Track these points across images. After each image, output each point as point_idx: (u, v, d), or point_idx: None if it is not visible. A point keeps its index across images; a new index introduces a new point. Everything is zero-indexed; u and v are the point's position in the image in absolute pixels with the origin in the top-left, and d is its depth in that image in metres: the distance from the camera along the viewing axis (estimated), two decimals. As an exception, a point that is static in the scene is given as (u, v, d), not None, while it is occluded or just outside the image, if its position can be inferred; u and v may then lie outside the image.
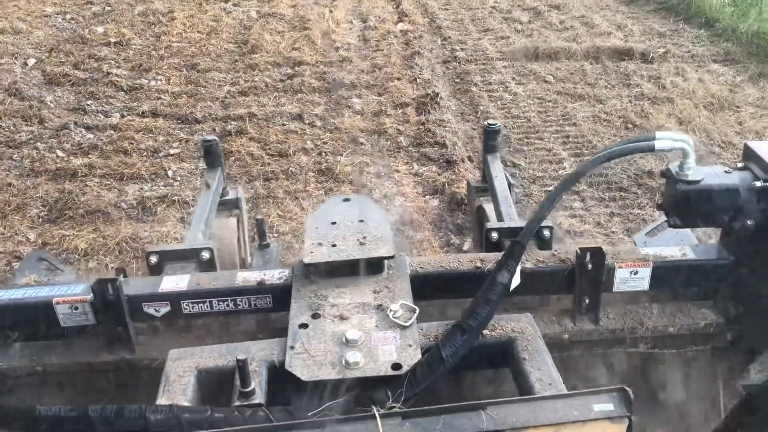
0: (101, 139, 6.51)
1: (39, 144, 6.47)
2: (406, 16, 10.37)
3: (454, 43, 9.15)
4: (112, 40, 9.44)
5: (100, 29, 10.07)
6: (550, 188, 5.53)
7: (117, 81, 7.87)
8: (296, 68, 8.18)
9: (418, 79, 7.70)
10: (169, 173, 5.90)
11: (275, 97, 7.42)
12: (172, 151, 6.26)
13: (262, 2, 11.49)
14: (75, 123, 6.78)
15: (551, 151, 6.20)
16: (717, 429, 1.85)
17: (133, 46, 9.27)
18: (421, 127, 6.56)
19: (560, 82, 7.62)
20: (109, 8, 11.27)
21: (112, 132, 6.68)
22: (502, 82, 7.65)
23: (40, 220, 5.29)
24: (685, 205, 2.19)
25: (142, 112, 7.05)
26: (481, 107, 7.00)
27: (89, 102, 7.40)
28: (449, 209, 5.20)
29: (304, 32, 9.64)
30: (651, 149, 2.05)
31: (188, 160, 6.10)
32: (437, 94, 7.03)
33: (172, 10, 10.86)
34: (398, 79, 7.71)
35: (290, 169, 5.83)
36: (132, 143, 6.39)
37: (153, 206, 5.32)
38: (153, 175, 5.86)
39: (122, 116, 7.04)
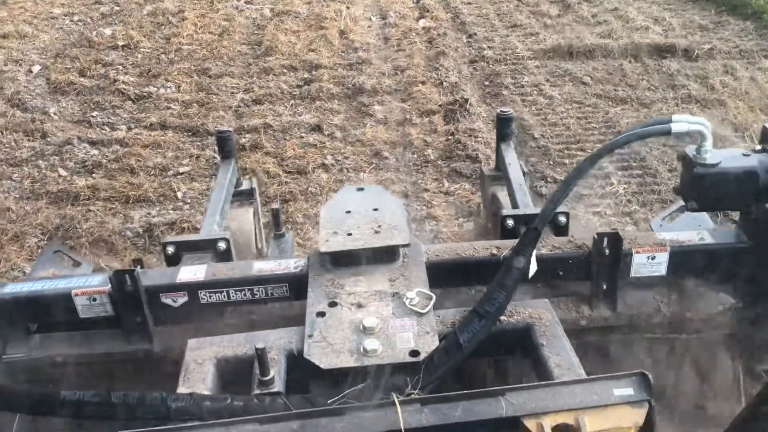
0: (106, 156, 6.06)
1: (40, 162, 6.03)
2: (428, 11, 9.82)
3: (481, 40, 8.59)
4: (120, 43, 8.99)
5: (107, 31, 9.62)
6: (598, 208, 5.00)
7: (124, 89, 7.42)
8: (313, 72, 7.67)
9: (444, 83, 7.17)
10: (179, 194, 5.43)
11: (292, 105, 6.93)
12: (182, 170, 5.79)
13: (276, -1, 10.99)
14: (78, 138, 6.34)
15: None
16: (739, 416, 1.77)
17: (142, 50, 8.82)
18: (450, 138, 6.03)
19: (598, 83, 7.05)
20: (117, 8, 10.82)
21: (118, 147, 6.22)
22: (535, 85, 7.09)
23: (39, 250, 4.85)
24: (703, 188, 2.14)
25: (150, 124, 6.59)
26: (515, 112, 6.46)
27: (95, 113, 6.95)
28: (485, 236, 4.67)
29: (320, 32, 9.13)
30: (668, 132, 2.02)
31: (199, 180, 5.63)
32: (466, 100, 6.50)
33: (183, 10, 10.39)
34: (423, 82, 7.18)
35: (309, 188, 5.34)
36: (139, 160, 5.93)
37: (161, 234, 4.86)
38: (161, 197, 5.40)
39: (129, 129, 6.59)
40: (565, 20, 9.16)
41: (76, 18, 10.32)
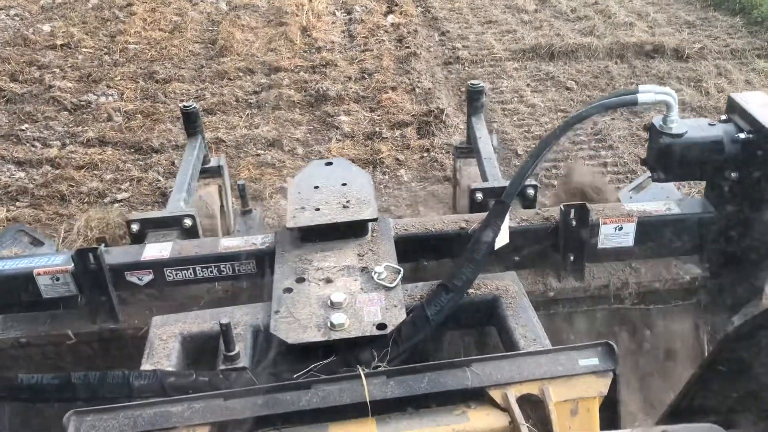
0: (34, 180, 5.30)
1: (-45, 189, 5.26)
2: (396, 5, 9.12)
3: (455, 39, 7.94)
4: (59, 42, 8.15)
5: (46, 28, 8.76)
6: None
7: (60, 97, 6.64)
8: (272, 76, 6.97)
9: (416, 89, 6.52)
10: (116, 228, 4.72)
11: (248, 115, 6.22)
12: (120, 196, 5.07)
13: (233, -9, 10.19)
14: (2, 158, 5.56)
15: (585, 183, 5.06)
16: (694, 374, 1.81)
17: (83, 50, 8.00)
18: (425, 155, 5.40)
19: (584, 88, 6.47)
20: (60, 0, 9.94)
21: (49, 168, 5.47)
22: (515, 90, 6.48)
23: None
24: (669, 158, 2.15)
25: (88, 140, 5.84)
26: (495, 124, 5.84)
27: (24, 126, 6.17)
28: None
29: (280, 28, 8.40)
30: (634, 103, 2.03)
31: (141, 208, 4.92)
32: (442, 111, 5.86)
33: (131, 2, 9.54)
34: (393, 88, 6.52)
35: (267, 221, 4.67)
36: (72, 185, 5.19)
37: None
38: (95, 232, 4.68)
39: (63, 146, 5.82)
40: (542, 15, 8.55)
41: (12, 12, 9.41)
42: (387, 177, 5.20)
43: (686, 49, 7.04)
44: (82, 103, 6.54)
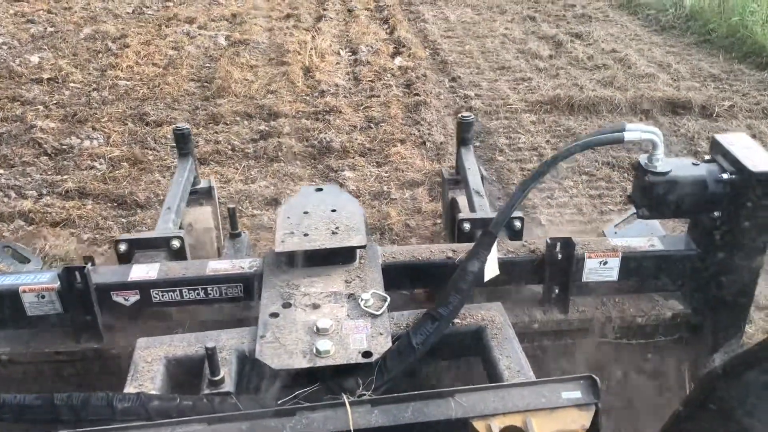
0: (3, 237, 4.76)
1: None
2: (404, 46, 8.70)
3: (466, 86, 7.49)
4: (46, 75, 7.69)
5: (34, 58, 8.29)
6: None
7: (41, 139, 6.12)
8: (271, 122, 6.48)
9: (427, 142, 6.04)
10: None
11: (244, 168, 5.71)
12: (99, 260, 4.52)
13: (232, 24, 9.77)
14: (-30, 210, 5.03)
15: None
16: (674, 414, 1.74)
17: (71, 85, 7.52)
18: (438, 221, 4.89)
19: (609, 147, 5.98)
20: (52, 29, 9.49)
21: (22, 223, 4.93)
22: (534, 148, 6.00)
23: None
24: (653, 195, 2.19)
25: (66, 191, 5.31)
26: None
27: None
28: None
29: (281, 68, 7.95)
30: (620, 141, 2.08)
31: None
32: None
33: (126, 35, 9.12)
34: (401, 141, 6.04)
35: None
36: (44, 243, 4.64)
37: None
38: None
39: (39, 196, 5.29)
40: (558, 62, 8.13)
41: (0, 41, 8.94)
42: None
43: (715, 107, 6.59)
44: (64, 147, 6.02)
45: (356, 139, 6.07)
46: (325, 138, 6.06)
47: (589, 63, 8.06)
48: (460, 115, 3.54)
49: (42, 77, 7.64)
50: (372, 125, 6.40)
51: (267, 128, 6.34)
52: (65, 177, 5.54)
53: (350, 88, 7.39)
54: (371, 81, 7.54)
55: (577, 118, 6.52)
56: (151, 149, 6.01)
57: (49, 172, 5.66)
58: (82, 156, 5.86)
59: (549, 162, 2.12)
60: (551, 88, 7.21)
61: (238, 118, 6.61)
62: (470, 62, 8.29)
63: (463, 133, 3.49)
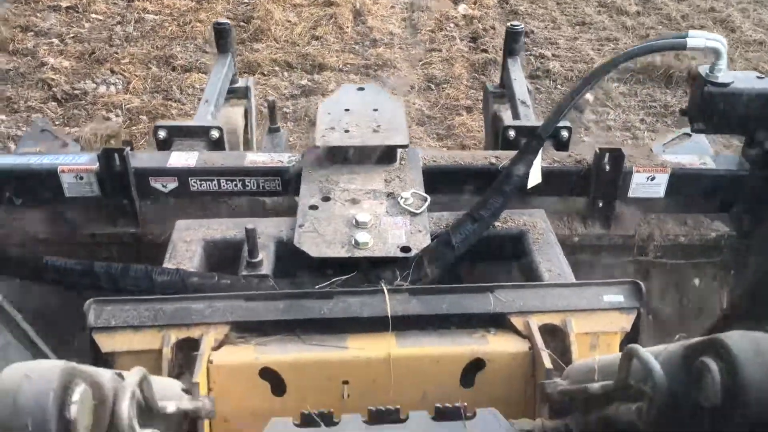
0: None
1: None
2: (469, -10, 7.63)
3: (541, 43, 6.48)
4: (65, 3, 6.82)
5: (54, -20, 7.41)
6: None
7: (52, 80, 5.34)
8: (315, 75, 5.60)
9: (497, 112, 5.11)
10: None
11: (281, 130, 4.86)
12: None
13: (276, -45, 8.73)
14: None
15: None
16: (720, 317, 1.76)
17: (92, 16, 6.67)
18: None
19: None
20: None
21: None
22: (626, 128, 5.04)
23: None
24: (712, 108, 2.09)
25: (73, 148, 4.52)
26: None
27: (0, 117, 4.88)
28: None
29: (328, 9, 6.97)
30: (683, 47, 1.98)
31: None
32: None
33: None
34: (467, 109, 5.13)
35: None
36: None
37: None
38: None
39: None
40: (648, 21, 7.11)
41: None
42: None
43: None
44: (76, 92, 5.24)
45: (414, 104, 5.17)
46: (377, 100, 5.16)
47: (684, 23, 6.95)
48: (509, 23, 3.42)
49: (60, 5, 6.79)
50: (432, 86, 5.48)
51: (310, 83, 5.47)
52: (74, 130, 4.76)
53: (407, 39, 6.43)
54: (431, 31, 6.56)
55: (676, 92, 5.51)
56: (175, 100, 5.19)
57: (57, 122, 4.89)
58: (96, 104, 5.08)
59: (605, 65, 2.04)
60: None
61: (277, 68, 5.73)
62: (544, 14, 7.23)
63: (512, 44, 3.33)
